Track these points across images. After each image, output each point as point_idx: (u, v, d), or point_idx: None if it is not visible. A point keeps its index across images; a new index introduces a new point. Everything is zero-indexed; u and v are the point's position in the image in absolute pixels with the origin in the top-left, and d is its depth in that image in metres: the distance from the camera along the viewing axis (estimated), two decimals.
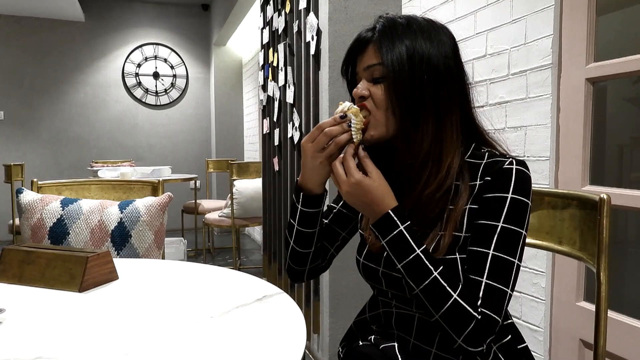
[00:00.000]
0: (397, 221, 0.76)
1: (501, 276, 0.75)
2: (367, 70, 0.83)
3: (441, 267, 0.75)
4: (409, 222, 0.77)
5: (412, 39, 0.80)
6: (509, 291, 0.75)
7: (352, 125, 0.81)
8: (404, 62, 0.79)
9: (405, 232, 0.76)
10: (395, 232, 0.76)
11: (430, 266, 0.74)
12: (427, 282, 0.74)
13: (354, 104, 0.82)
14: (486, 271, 0.75)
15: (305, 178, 0.88)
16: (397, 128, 0.82)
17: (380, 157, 0.90)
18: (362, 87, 0.83)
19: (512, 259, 0.75)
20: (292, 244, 0.95)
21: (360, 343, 0.96)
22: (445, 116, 0.81)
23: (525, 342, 0.89)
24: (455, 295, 0.73)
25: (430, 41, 0.81)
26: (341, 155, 0.82)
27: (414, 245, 0.75)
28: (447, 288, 0.73)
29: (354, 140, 0.81)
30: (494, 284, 0.74)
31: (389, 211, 0.77)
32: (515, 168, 0.78)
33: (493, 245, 0.75)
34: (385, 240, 0.77)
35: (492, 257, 0.75)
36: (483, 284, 0.74)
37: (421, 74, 0.79)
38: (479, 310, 0.73)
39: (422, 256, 0.75)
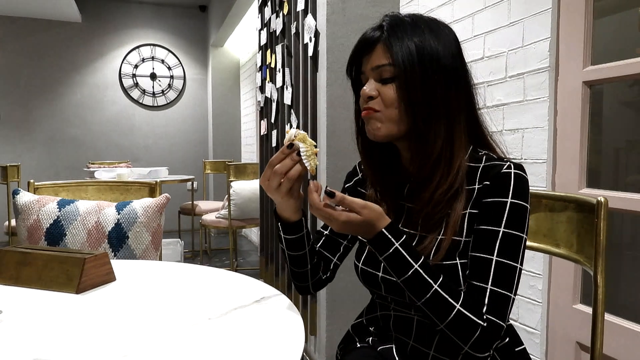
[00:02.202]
0: (392, 239, 0.75)
1: (505, 282, 0.75)
2: (376, 70, 0.82)
3: (441, 279, 0.75)
4: (404, 237, 0.76)
5: (421, 38, 0.80)
6: (512, 296, 0.75)
7: (302, 153, 0.78)
8: (415, 61, 0.79)
9: (401, 249, 0.75)
10: (391, 250, 0.75)
11: (429, 279, 0.74)
12: (428, 295, 0.74)
13: (302, 135, 0.78)
14: (490, 278, 0.75)
15: (279, 209, 0.88)
16: (408, 127, 0.81)
17: (384, 157, 0.91)
18: (370, 88, 0.82)
19: (514, 264, 0.76)
20: (288, 265, 0.95)
21: (358, 345, 0.96)
22: (455, 115, 0.81)
23: (523, 345, 0.89)
24: (458, 306, 0.73)
25: (438, 40, 0.81)
26: (314, 197, 0.77)
27: (411, 261, 0.74)
28: (449, 299, 0.73)
29: (308, 167, 0.78)
30: (498, 289, 0.74)
31: (382, 230, 0.75)
32: (514, 172, 0.78)
33: (496, 251, 0.76)
34: (382, 257, 0.76)
35: (496, 263, 0.75)
36: (488, 290, 0.74)
37: (432, 73, 0.79)
38: (484, 317, 0.73)
39: (421, 270, 0.74)
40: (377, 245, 0.76)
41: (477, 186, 0.80)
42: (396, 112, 0.81)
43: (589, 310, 1.32)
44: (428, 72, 0.79)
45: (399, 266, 0.75)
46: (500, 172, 0.78)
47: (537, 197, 1.01)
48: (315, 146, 0.80)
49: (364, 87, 0.83)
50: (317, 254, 0.98)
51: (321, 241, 1.00)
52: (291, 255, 0.92)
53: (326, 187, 0.77)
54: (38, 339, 0.72)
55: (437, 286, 0.74)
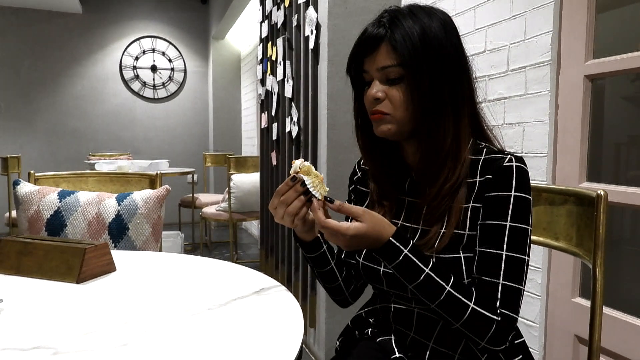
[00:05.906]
0: (400, 246, 0.75)
1: (515, 275, 0.76)
2: (382, 71, 0.80)
3: (452, 279, 0.75)
4: (411, 243, 0.76)
5: (424, 33, 0.78)
6: (522, 288, 0.76)
7: (309, 185, 0.78)
8: (422, 60, 0.77)
9: (410, 255, 0.75)
10: (401, 258, 0.75)
11: (441, 282, 0.74)
12: (441, 297, 0.74)
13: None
14: (501, 273, 0.76)
15: (296, 230, 0.89)
16: (417, 126, 0.81)
17: (386, 152, 0.90)
18: (377, 89, 0.80)
19: (522, 256, 0.76)
20: (321, 283, 0.97)
21: (357, 337, 0.96)
22: (461, 109, 0.82)
23: (522, 337, 0.90)
24: (472, 305, 0.74)
25: (444, 33, 0.80)
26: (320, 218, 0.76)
27: (422, 266, 0.75)
28: (463, 299, 0.74)
29: (318, 197, 0.78)
30: (510, 283, 0.75)
31: (390, 238, 0.75)
32: (515, 165, 0.78)
33: (504, 245, 0.76)
34: (392, 266, 0.76)
35: (505, 258, 0.76)
36: (500, 285, 0.75)
37: (440, 71, 0.79)
38: (498, 311, 0.74)
39: (432, 274, 0.75)
40: (386, 254, 0.76)
41: (478, 179, 0.80)
42: (406, 113, 0.80)
43: (587, 303, 1.32)
44: (436, 69, 0.78)
45: (410, 272, 0.75)
46: (502, 166, 0.78)
47: (537, 191, 1.01)
48: (320, 174, 0.80)
49: (371, 90, 0.81)
50: (345, 265, 0.98)
51: (344, 251, 1.00)
52: (320, 272, 0.94)
53: (324, 196, 0.78)
54: (38, 327, 0.73)
55: (450, 287, 0.74)
